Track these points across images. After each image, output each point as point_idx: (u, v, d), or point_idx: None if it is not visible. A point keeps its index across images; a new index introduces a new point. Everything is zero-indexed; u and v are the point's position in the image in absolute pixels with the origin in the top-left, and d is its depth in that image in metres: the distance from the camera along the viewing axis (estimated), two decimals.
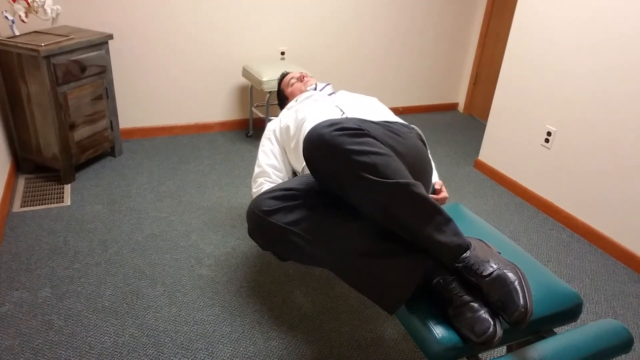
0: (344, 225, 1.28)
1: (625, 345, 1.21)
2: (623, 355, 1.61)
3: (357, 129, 1.19)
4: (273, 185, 1.77)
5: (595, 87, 2.38)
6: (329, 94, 1.97)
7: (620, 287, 2.18)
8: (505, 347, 1.53)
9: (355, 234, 1.26)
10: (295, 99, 1.97)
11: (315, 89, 2.03)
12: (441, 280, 1.18)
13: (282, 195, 1.33)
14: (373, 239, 1.25)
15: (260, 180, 1.81)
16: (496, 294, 1.11)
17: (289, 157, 1.84)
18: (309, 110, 1.77)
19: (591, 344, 1.16)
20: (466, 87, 4.23)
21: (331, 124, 1.20)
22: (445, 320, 1.17)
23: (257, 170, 1.85)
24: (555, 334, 1.22)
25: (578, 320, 1.74)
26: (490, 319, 1.09)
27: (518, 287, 1.10)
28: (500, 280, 1.12)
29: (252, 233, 1.40)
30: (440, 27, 3.91)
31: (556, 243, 2.47)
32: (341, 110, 1.73)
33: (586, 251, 2.43)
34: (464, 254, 1.18)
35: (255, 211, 1.33)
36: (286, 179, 1.85)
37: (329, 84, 2.08)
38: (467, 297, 1.14)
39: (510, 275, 1.12)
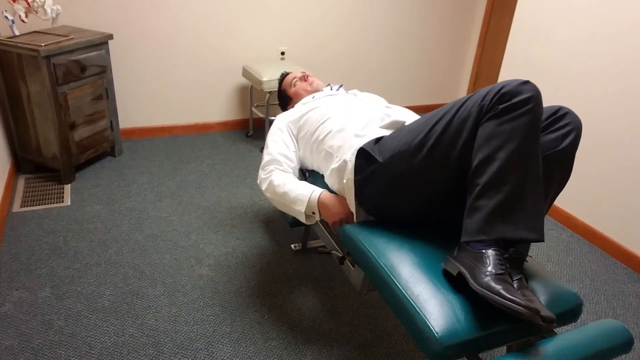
0: None
1: (625, 345, 1.20)
2: (623, 355, 1.61)
3: None
4: (283, 173, 1.73)
5: (595, 87, 2.38)
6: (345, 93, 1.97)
7: (620, 287, 2.18)
8: (505, 347, 1.53)
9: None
10: (311, 95, 1.95)
11: (331, 89, 2.04)
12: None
13: None
14: None
15: (271, 167, 1.75)
16: (530, 296, 1.16)
17: (300, 145, 1.81)
18: (333, 105, 1.76)
19: (591, 344, 1.16)
20: (466, 87, 4.23)
21: None
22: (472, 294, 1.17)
23: (266, 158, 1.78)
24: (555, 334, 1.22)
25: (578, 321, 1.74)
26: None
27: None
28: (532, 291, 1.20)
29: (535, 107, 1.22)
30: (440, 27, 3.91)
31: (556, 243, 2.47)
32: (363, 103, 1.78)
33: (586, 251, 2.43)
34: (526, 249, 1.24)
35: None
36: (296, 171, 1.81)
37: (341, 85, 2.08)
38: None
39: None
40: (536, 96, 1.19)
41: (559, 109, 1.33)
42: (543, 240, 1.19)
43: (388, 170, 1.40)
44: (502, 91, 1.21)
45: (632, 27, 2.18)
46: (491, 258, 1.15)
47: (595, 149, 2.41)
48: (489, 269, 1.13)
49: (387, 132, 1.58)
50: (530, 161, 1.19)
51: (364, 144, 1.49)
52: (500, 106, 1.20)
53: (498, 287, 1.09)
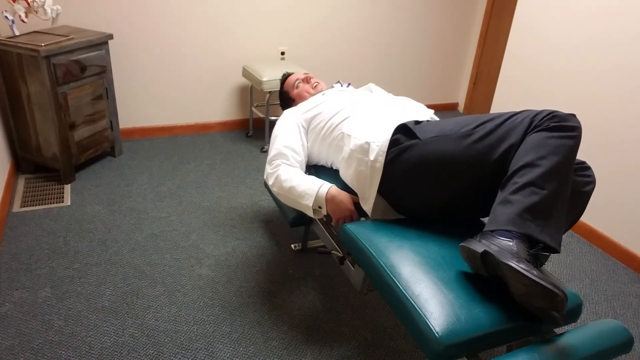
0: None
1: (625, 345, 1.21)
2: (623, 355, 1.61)
3: None
4: (290, 167, 1.71)
5: (594, 88, 2.38)
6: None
7: (620, 287, 2.18)
8: (505, 347, 1.53)
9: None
10: (321, 92, 1.95)
11: (341, 86, 2.06)
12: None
13: None
14: None
15: (277, 162, 1.73)
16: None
17: (310, 136, 1.80)
18: (347, 99, 1.77)
19: (591, 344, 1.16)
20: (466, 87, 4.23)
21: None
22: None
23: (273, 152, 1.76)
24: (555, 334, 1.22)
25: (578, 321, 1.74)
26: None
27: None
28: None
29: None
30: (440, 27, 3.91)
31: None
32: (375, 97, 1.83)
33: (586, 251, 2.43)
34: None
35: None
36: (304, 165, 1.80)
37: (350, 84, 2.09)
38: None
39: None
40: (580, 129, 1.30)
41: (584, 162, 1.46)
42: (559, 252, 1.24)
43: (426, 149, 1.42)
44: (553, 113, 1.31)
45: (631, 28, 2.18)
46: (519, 246, 1.17)
47: (595, 150, 2.41)
48: (517, 252, 1.15)
49: (419, 119, 1.60)
50: (565, 180, 1.26)
51: (406, 122, 1.51)
52: (552, 123, 1.29)
53: (528, 267, 1.10)
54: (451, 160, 1.38)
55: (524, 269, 1.09)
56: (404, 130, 1.49)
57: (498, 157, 1.33)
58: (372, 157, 1.49)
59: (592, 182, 1.43)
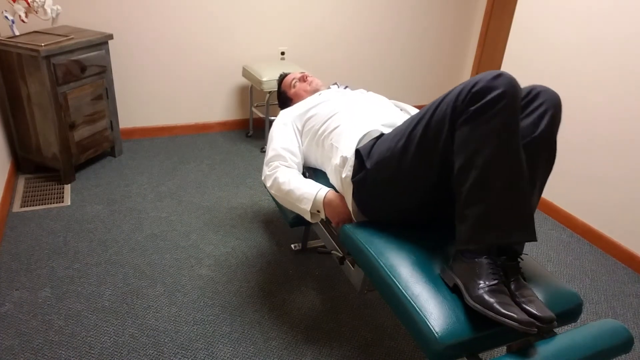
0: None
1: (625, 345, 1.20)
2: (623, 355, 1.61)
3: None
4: (288, 169, 1.72)
5: (594, 88, 2.38)
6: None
7: (620, 287, 2.18)
8: (505, 347, 1.53)
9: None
10: (318, 93, 1.95)
11: (338, 87, 2.06)
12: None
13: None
14: None
15: (275, 163, 1.74)
16: (529, 295, 1.16)
17: (305, 139, 1.81)
18: (341, 101, 1.77)
19: (591, 344, 1.16)
20: None
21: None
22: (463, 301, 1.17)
23: (271, 153, 1.77)
24: (555, 334, 1.22)
25: (578, 321, 1.74)
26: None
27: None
28: (531, 289, 1.19)
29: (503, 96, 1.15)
30: (440, 28, 3.91)
31: (556, 243, 2.47)
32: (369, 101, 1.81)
33: (586, 251, 2.43)
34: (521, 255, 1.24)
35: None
36: (300, 166, 1.81)
37: (347, 86, 2.09)
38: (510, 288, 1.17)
39: None
40: (509, 90, 1.14)
41: (532, 89, 1.27)
42: (535, 240, 1.18)
43: (375, 177, 1.41)
44: (473, 90, 1.17)
45: (632, 28, 2.18)
46: (484, 267, 1.15)
47: (595, 149, 2.41)
48: (483, 280, 1.14)
49: (389, 130, 1.58)
50: (510, 160, 1.15)
51: (361, 146, 1.49)
52: (472, 108, 1.17)
53: (491, 300, 1.09)
54: (402, 181, 1.36)
55: (483, 308, 1.09)
56: (359, 156, 1.47)
57: (441, 159, 1.27)
58: (344, 174, 1.52)
59: (548, 111, 1.23)
